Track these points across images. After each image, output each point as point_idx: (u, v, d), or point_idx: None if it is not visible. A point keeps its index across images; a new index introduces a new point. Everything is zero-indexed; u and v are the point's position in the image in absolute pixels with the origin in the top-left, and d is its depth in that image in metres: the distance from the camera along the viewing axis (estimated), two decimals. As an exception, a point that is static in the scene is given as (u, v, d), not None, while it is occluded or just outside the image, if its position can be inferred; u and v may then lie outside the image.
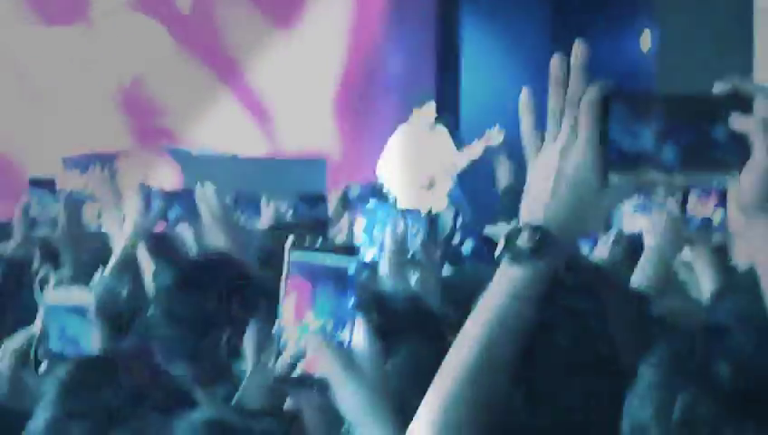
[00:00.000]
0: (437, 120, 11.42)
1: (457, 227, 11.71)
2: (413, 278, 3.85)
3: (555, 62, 1.62)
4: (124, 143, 12.58)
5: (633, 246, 3.99)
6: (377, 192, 7.51)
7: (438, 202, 11.00)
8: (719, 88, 1.53)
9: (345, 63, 13.63)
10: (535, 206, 1.63)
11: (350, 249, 2.09)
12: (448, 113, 12.34)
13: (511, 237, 1.63)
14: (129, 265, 4.30)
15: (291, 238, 2.07)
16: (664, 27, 11.52)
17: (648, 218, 3.37)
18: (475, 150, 11.03)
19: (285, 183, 11.43)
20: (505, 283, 1.64)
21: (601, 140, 1.56)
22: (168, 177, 11.45)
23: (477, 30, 13.51)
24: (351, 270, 1.97)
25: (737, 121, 1.50)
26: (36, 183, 4.99)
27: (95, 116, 12.67)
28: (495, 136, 10.90)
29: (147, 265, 4.24)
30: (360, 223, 3.94)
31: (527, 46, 13.18)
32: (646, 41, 12.23)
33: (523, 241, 1.61)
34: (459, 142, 11.51)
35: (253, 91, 13.32)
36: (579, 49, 1.61)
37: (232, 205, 6.05)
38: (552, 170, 1.61)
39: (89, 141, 12.04)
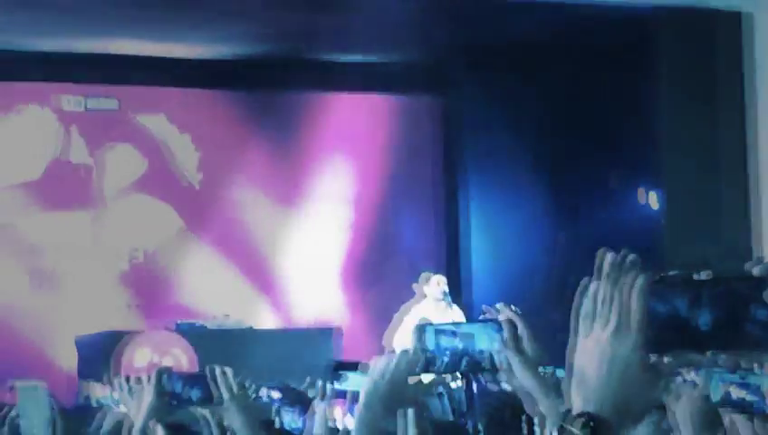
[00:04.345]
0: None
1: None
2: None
3: (605, 256, 1.67)
4: (137, 321, 12.62)
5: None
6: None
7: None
8: (757, 269, 1.58)
9: (351, 237, 13.73)
10: (587, 392, 1.64)
11: None
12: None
13: (564, 425, 1.63)
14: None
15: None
16: (670, 189, 11.71)
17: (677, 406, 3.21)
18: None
19: (299, 354, 11.45)
20: None
21: (648, 326, 1.61)
22: (181, 354, 11.45)
23: (484, 191, 13.57)
24: None
25: None
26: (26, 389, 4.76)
27: (107, 295, 12.75)
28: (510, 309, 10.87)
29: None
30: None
31: (533, 221, 13.28)
32: (654, 201, 12.35)
33: (577, 428, 1.62)
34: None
35: (261, 267, 13.39)
36: (627, 252, 1.67)
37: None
38: (604, 356, 1.64)
39: (101, 320, 12.14)
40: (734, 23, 11.03)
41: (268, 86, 13.43)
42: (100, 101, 13.17)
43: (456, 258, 13.47)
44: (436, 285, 11.14)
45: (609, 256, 1.68)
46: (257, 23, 11.94)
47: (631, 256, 1.67)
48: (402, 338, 10.74)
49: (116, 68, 12.84)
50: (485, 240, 13.46)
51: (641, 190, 12.44)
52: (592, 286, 1.68)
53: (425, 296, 11.34)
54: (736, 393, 3.06)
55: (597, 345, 1.66)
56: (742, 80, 10.74)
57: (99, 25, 11.84)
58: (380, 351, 10.85)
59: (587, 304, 1.68)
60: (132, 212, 13.12)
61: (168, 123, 13.37)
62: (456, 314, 11.09)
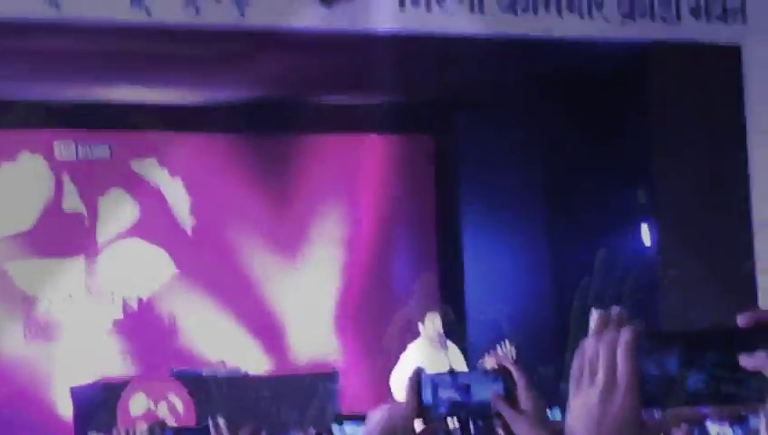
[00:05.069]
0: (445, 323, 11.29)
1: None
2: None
3: (597, 316, 1.63)
4: (132, 369, 12.54)
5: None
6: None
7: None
8: (743, 320, 1.55)
9: (346, 278, 13.69)
10: None
11: None
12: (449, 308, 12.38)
13: None
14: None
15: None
16: (664, 223, 11.68)
17: None
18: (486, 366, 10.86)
19: (298, 400, 11.39)
20: None
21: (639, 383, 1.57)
22: (177, 402, 11.37)
23: (477, 229, 13.54)
24: None
25: (745, 360, 1.52)
26: None
27: (102, 343, 12.66)
28: (507, 353, 10.84)
29: None
30: None
31: (524, 241, 13.30)
32: (646, 233, 12.33)
33: None
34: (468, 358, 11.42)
35: (258, 312, 13.32)
36: (616, 310, 1.63)
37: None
38: (591, 416, 1.60)
39: (96, 369, 12.07)
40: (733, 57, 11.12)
41: (259, 129, 13.40)
42: (93, 148, 13.11)
43: (451, 297, 13.44)
44: (430, 323, 11.09)
45: (595, 313, 1.64)
46: (247, 67, 11.93)
47: (618, 310, 1.63)
48: (399, 377, 10.69)
49: (108, 114, 12.82)
50: (481, 278, 13.45)
51: (640, 225, 12.44)
52: (582, 344, 1.64)
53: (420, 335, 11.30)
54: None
55: (585, 405, 1.62)
56: (741, 114, 10.83)
57: (90, 72, 11.85)
58: (385, 391, 10.80)
59: (576, 363, 1.64)
60: (125, 259, 13.05)
61: (158, 168, 13.32)
62: (453, 353, 11.04)
